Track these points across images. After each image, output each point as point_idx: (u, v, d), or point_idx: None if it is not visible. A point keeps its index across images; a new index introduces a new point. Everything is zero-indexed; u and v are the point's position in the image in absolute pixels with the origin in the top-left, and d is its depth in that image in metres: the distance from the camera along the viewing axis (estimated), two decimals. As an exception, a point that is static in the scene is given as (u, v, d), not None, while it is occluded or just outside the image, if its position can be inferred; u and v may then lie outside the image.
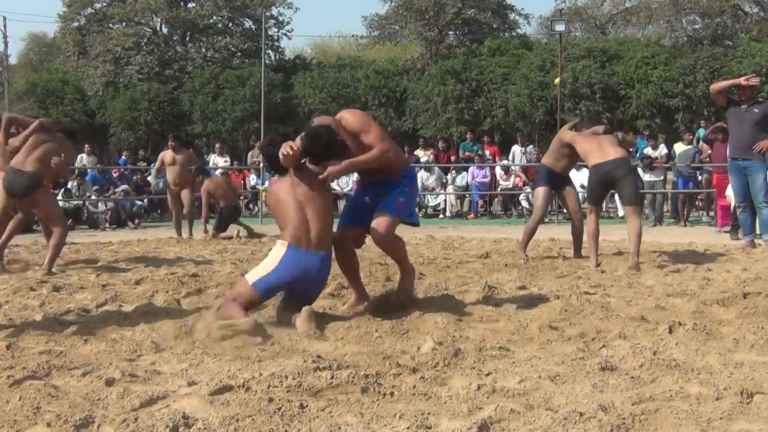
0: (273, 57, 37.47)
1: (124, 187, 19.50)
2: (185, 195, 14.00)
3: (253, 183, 21.73)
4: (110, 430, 3.43)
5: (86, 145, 23.28)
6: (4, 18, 42.66)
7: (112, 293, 7.22)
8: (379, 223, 5.88)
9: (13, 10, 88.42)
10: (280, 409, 3.63)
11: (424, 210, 20.45)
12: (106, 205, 18.53)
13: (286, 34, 38.24)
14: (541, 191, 9.68)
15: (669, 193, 18.37)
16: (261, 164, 19.85)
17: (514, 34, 36.96)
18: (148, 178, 20.21)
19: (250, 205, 22.37)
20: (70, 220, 17.69)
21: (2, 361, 4.65)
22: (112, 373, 4.30)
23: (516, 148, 20.79)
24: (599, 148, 8.85)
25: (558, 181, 9.66)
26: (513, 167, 20.11)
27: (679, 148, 17.97)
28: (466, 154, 21.12)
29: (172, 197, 14.17)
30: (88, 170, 20.62)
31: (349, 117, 5.91)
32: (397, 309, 5.97)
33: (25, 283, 7.89)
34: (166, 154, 14.16)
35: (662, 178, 18.24)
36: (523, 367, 4.33)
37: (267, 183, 20.64)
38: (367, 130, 5.83)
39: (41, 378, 4.30)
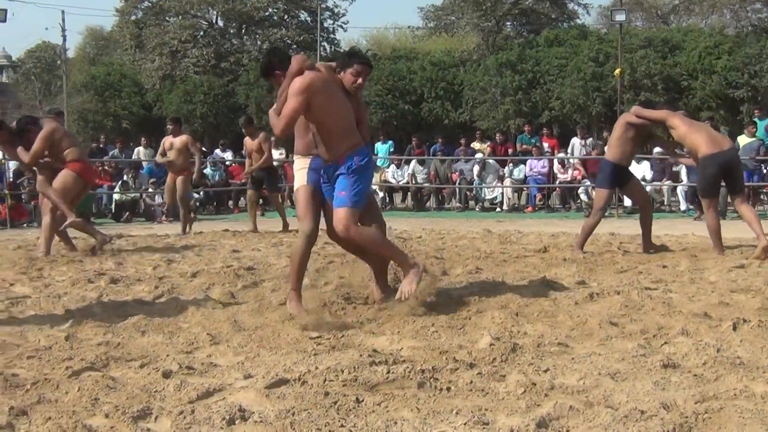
0: (328, 49, 37.60)
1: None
2: (179, 183, 13.50)
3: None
4: (167, 422, 3.47)
5: (143, 138, 23.53)
6: (63, 12, 44.01)
7: (168, 286, 7.30)
8: (336, 221, 5.78)
9: (71, 4, 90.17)
10: (336, 403, 3.65)
11: (480, 203, 20.37)
12: (162, 198, 18.74)
13: (341, 26, 38.42)
14: (604, 194, 9.55)
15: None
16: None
17: (572, 24, 36.62)
18: (205, 171, 20.38)
19: (293, 195, 22.48)
20: (127, 213, 17.98)
21: (61, 353, 4.74)
22: (169, 365, 4.35)
23: (575, 141, 20.59)
24: (709, 137, 8.67)
25: (622, 177, 9.47)
26: (571, 160, 19.94)
27: (743, 140, 17.65)
28: (524, 146, 20.97)
29: (168, 187, 13.89)
30: (144, 163, 20.86)
31: (296, 80, 5.67)
32: (449, 303, 5.95)
33: (83, 275, 8.01)
34: (167, 139, 13.73)
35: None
36: (583, 363, 4.30)
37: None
38: (289, 97, 5.67)
39: (99, 369, 4.37)
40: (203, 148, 24.82)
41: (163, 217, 17.95)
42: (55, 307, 6.34)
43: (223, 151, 23.08)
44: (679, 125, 8.85)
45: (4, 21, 18.74)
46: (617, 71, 20.20)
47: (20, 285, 7.52)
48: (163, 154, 13.72)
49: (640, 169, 18.58)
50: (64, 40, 40.05)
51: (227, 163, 22.00)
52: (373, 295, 6.28)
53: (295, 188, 6.15)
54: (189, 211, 14.00)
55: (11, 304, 6.44)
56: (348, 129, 5.80)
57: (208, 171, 20.47)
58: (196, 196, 19.44)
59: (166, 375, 4.17)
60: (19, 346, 4.93)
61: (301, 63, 5.72)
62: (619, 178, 9.45)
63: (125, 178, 18.99)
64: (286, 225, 13.77)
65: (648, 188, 18.46)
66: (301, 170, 6.11)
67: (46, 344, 4.97)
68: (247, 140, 14.07)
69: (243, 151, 23.96)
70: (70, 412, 3.58)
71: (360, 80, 5.97)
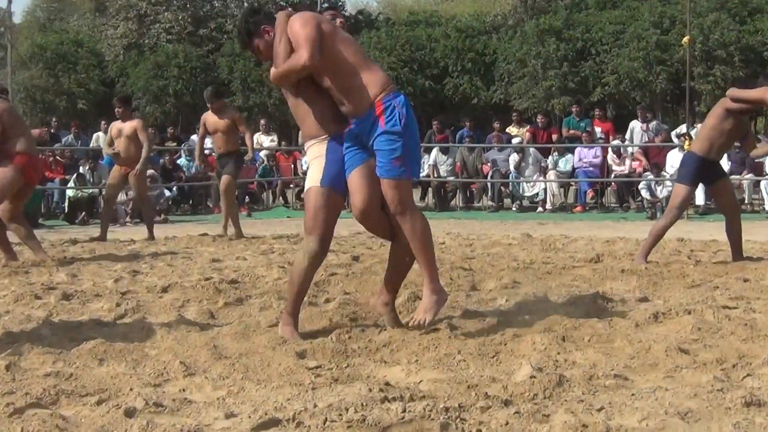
0: (331, 12, 37.68)
1: (150, 172, 19.69)
2: (134, 178, 13.58)
3: (305, 167, 21.80)
4: (130, 472, 3.45)
5: (102, 121, 23.49)
6: (8, -31, 43.46)
7: (133, 303, 7.29)
8: (387, 193, 5.74)
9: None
10: (339, 449, 3.63)
11: (518, 202, 20.36)
12: (126, 195, 18.75)
13: (346, -16, 38.46)
14: (683, 191, 9.48)
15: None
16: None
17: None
18: (179, 161, 20.44)
19: (302, 195, 22.49)
20: (83, 213, 18.00)
21: (1, 386, 4.73)
22: (134, 401, 4.33)
23: (635, 124, 20.54)
24: None
25: (710, 173, 9.42)
26: (630, 148, 19.89)
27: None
28: (571, 131, 20.95)
29: (111, 181, 13.86)
30: (105, 153, 20.90)
31: (294, 19, 5.72)
32: (479, 325, 5.93)
33: (29, 290, 8.02)
34: (115, 125, 13.73)
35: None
36: (646, 400, 4.27)
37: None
38: (297, 33, 5.64)
39: (47, 406, 4.35)
40: (176, 134, 24.92)
41: (128, 218, 17.99)
42: (-7, 329, 6.34)
43: (266, 133, 23.20)
44: None
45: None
46: (685, 39, 20.11)
47: (-50, 302, 7.53)
48: (111, 144, 13.66)
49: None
50: (9, 2, 40.18)
51: (206, 152, 22.00)
52: (375, 309, 6.25)
53: (306, 187, 6.05)
54: (152, 210, 14.06)
55: (-61, 326, 6.44)
56: (370, 65, 5.83)
57: (182, 162, 20.51)
58: (168, 193, 19.51)
59: (130, 413, 4.15)
60: (-52, 378, 4.93)
61: (288, 14, 5.78)
62: (705, 175, 9.41)
63: (81, 170, 19.04)
64: (227, 228, 13.52)
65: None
66: (315, 160, 5.96)
67: (-19, 375, 4.97)
68: (208, 117, 13.57)
69: (170, 131, 24.08)
70: (10, 459, 3.56)
71: (339, 20, 6.08)
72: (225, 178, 13.25)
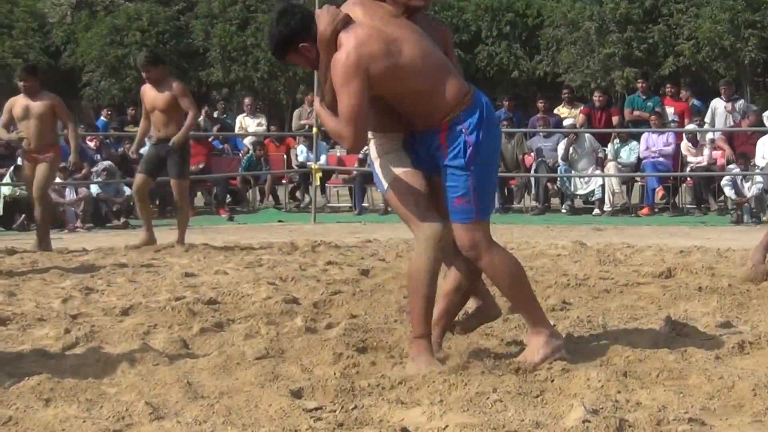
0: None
1: (106, 164, 19.72)
2: (42, 171, 13.38)
3: (301, 158, 21.81)
4: None
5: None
6: None
7: (87, 329, 7.31)
8: (457, 239, 5.84)
9: None
10: None
11: (569, 202, 20.36)
12: (77, 193, 18.80)
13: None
14: None
15: None
16: (315, 130, 19.93)
17: None
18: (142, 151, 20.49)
19: (297, 193, 22.50)
20: (23, 216, 18.05)
21: None
22: (88, 452, 4.38)
23: (717, 104, 20.49)
24: None
25: None
26: (711, 134, 19.88)
27: None
28: (636, 113, 20.92)
29: (25, 171, 13.74)
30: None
31: (336, 55, 5.63)
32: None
33: (-45, 312, 8.08)
34: (16, 102, 13.38)
35: None
36: (728, 450, 4.30)
37: (324, 158, 20.84)
38: (338, 92, 5.62)
39: (-19, 458, 4.40)
40: (137, 116, 24.94)
41: (78, 222, 18.04)
42: None
43: (252, 115, 23.23)
44: None
45: None
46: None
47: None
48: (9, 127, 13.39)
49: None
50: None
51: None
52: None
53: (385, 184, 6.02)
54: (49, 213, 13.86)
55: None
56: (442, 77, 5.77)
57: (146, 151, 20.58)
58: (128, 191, 19.53)
59: (83, 467, 4.20)
60: None
61: (333, 20, 5.66)
62: None
63: (20, 161, 19.10)
64: (181, 239, 13.34)
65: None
66: (388, 156, 5.97)
67: None
68: (146, 90, 13.30)
69: (130, 112, 24.04)
70: None
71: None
72: (175, 182, 13.11)
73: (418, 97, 5.69)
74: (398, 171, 5.87)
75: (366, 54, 5.50)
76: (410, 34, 5.70)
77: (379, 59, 5.53)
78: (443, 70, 5.79)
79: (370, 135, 6.02)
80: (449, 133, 5.66)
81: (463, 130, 5.64)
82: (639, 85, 22.21)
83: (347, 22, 5.64)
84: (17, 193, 18.45)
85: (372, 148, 6.08)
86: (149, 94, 13.07)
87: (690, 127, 20.42)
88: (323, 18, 5.65)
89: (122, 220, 18.74)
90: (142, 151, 14.81)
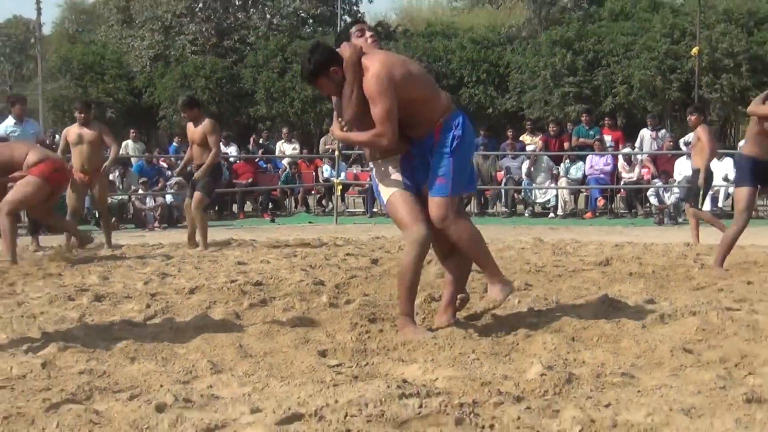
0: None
1: (177, 179, 19.73)
2: (99, 189, 13.05)
3: (326, 175, 21.83)
4: (161, 463, 3.51)
5: (132, 131, 23.70)
6: (38, -19, 43.55)
7: (162, 304, 7.34)
8: (431, 210, 5.92)
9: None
10: (359, 442, 3.67)
11: (530, 208, 20.35)
12: (155, 201, 18.84)
13: (366, -3, 38.38)
14: (744, 192, 9.13)
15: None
16: (336, 153, 19.97)
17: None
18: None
19: (323, 201, 22.52)
20: (114, 218, 18.07)
21: (37, 382, 4.78)
22: (163, 397, 4.37)
23: (645, 133, 20.48)
24: None
25: (764, 173, 9.03)
26: (639, 156, 19.85)
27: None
28: (581, 140, 20.89)
29: (74, 189, 12.74)
30: (133, 160, 20.96)
31: (369, 72, 5.77)
32: (492, 326, 5.96)
33: (62, 292, 8.07)
34: (70, 130, 12.92)
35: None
36: (651, 397, 4.29)
37: (344, 175, 20.85)
38: (374, 100, 5.73)
39: (81, 402, 4.40)
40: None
41: (156, 223, 18.05)
42: (30, 329, 6.38)
43: (227, 145, 23.10)
44: None
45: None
46: (694, 50, 20.14)
47: (-12, 303, 7.60)
48: (66, 153, 12.88)
49: (721, 167, 18.48)
50: (39, 14, 40.25)
51: (231, 159, 22.03)
52: (440, 320, 6.30)
53: (384, 198, 6.11)
54: (110, 220, 13.64)
55: (-22, 326, 6.51)
56: (435, 93, 5.99)
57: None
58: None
59: (160, 409, 4.20)
60: (-13, 375, 4.98)
61: (355, 50, 5.82)
62: (759, 174, 9.04)
63: (111, 177, 19.10)
64: (195, 242, 12.78)
65: (731, 189, 18.43)
66: (386, 180, 6.08)
67: (19, 373, 5.01)
68: (188, 126, 12.92)
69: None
70: (48, 451, 3.62)
71: (368, 34, 6.19)
72: (197, 194, 12.66)
73: (424, 103, 5.84)
74: (393, 189, 6.00)
75: (391, 68, 5.68)
76: (407, 57, 6.02)
77: (399, 71, 5.71)
78: (434, 83, 6.11)
79: (371, 164, 6.24)
80: (442, 130, 5.84)
81: (453, 127, 5.83)
82: (583, 118, 22.19)
83: (364, 51, 5.81)
84: (109, 201, 18.44)
85: (374, 171, 6.19)
86: (189, 129, 12.83)
87: (625, 150, 20.40)
88: (347, 49, 5.81)
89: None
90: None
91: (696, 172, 12.97)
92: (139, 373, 5.00)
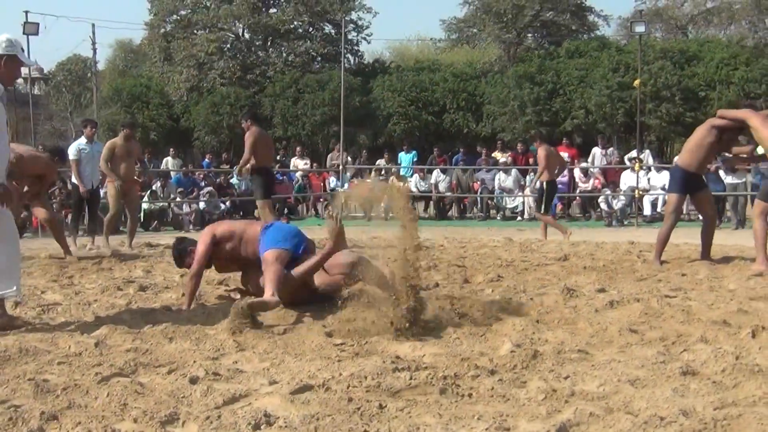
0: (352, 61, 37.63)
1: (208, 189, 19.76)
2: (135, 197, 13.13)
3: (332, 185, 21.86)
4: (194, 426, 3.49)
5: (171, 149, 23.75)
6: (93, 25, 43.50)
7: (196, 293, 7.30)
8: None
9: (102, 17, 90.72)
10: (359, 408, 3.65)
11: (502, 212, 20.35)
12: (190, 207, 18.84)
13: (365, 38, 38.39)
14: (674, 198, 9.18)
15: (750, 195, 17.93)
16: (340, 167, 19.96)
17: (592, 35, 36.57)
18: (231, 180, 20.46)
19: (329, 207, 22.51)
20: (156, 221, 18.08)
21: (91, 359, 4.77)
22: (196, 371, 4.37)
23: (596, 150, 20.55)
24: None
25: (693, 184, 9.09)
26: (592, 169, 19.87)
27: (762, 149, 17.49)
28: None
29: (120, 196, 12.41)
30: (172, 173, 20.95)
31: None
32: (470, 311, 5.94)
33: (112, 283, 8.05)
34: (118, 144, 12.34)
35: (744, 180, 17.80)
36: (603, 370, 4.28)
37: (346, 185, 20.82)
38: None
39: (128, 375, 4.39)
40: (229, 158, 24.97)
41: (190, 226, 18.02)
42: (85, 314, 6.38)
43: (301, 158, 23.27)
44: (760, 126, 8.33)
45: (36, 34, 18.89)
46: (636, 81, 20.14)
47: (51, 292, 7.57)
48: (108, 160, 12.30)
49: (660, 179, 18.51)
50: (95, 52, 40.16)
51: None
52: None
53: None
54: (137, 222, 13.48)
55: (42, 311, 6.48)
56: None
57: (234, 181, 20.52)
58: (222, 206, 19.50)
59: (193, 381, 4.19)
60: (49, 353, 4.96)
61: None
62: (690, 185, 9.09)
63: (154, 187, 19.08)
64: None
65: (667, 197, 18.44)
66: None
67: (76, 350, 5.00)
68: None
69: (224, 156, 23.92)
70: (100, 417, 3.60)
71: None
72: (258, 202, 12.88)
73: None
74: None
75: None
76: None
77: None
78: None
79: None
80: None
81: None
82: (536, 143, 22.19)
83: None
84: (152, 207, 18.44)
85: None
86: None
87: (583, 164, 20.42)
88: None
89: (284, 217, 18.69)
90: None
91: (542, 184, 13.55)
92: (176, 350, 5.00)
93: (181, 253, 7.02)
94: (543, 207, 13.57)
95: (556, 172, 13.83)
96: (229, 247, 6.62)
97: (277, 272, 6.08)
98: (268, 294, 5.97)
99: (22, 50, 6.02)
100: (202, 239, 6.72)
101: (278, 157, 24.53)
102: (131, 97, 35.70)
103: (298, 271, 6.23)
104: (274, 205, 14.02)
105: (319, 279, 6.44)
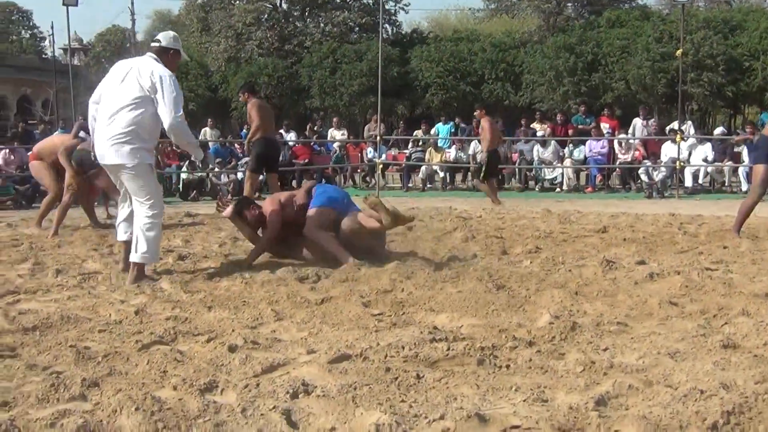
0: (390, 31, 37.44)
1: (246, 159, 19.78)
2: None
3: (370, 156, 21.83)
4: (233, 394, 3.52)
5: (209, 120, 23.80)
6: (132, -4, 43.81)
7: (235, 263, 7.35)
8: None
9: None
10: (396, 378, 3.66)
11: (540, 184, 20.23)
12: (228, 177, 18.93)
13: (403, 8, 38.14)
14: (761, 169, 8.92)
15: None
16: (378, 138, 19.95)
17: (633, 4, 36.09)
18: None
19: (367, 178, 22.49)
20: (194, 191, 18.19)
21: (131, 327, 4.82)
22: (235, 339, 4.40)
23: (637, 121, 20.31)
24: None
25: None
26: (633, 141, 19.67)
27: None
28: (580, 127, 20.74)
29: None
30: (210, 143, 21.03)
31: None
32: (508, 283, 5.92)
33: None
34: None
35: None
36: (642, 343, 4.26)
37: (384, 156, 20.81)
38: None
39: (168, 343, 4.44)
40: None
41: (228, 196, 18.11)
42: (125, 282, 6.44)
43: (287, 131, 23.19)
44: None
45: (76, 5, 18.97)
46: (679, 51, 19.83)
47: (92, 261, 7.65)
48: None
49: (701, 150, 18.31)
50: (133, 23, 40.59)
51: (291, 143, 22.11)
52: None
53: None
54: None
55: (83, 280, 6.55)
56: None
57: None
58: (261, 177, 19.56)
59: (232, 349, 4.22)
60: (90, 320, 5.03)
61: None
62: None
63: (192, 158, 19.17)
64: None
65: (709, 169, 18.24)
66: None
67: (116, 318, 5.07)
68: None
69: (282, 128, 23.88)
70: (140, 384, 3.64)
71: None
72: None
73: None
74: None
75: None
76: None
77: None
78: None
79: None
80: None
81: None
82: (581, 109, 22.05)
83: None
84: (190, 177, 18.55)
85: None
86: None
87: (621, 136, 20.23)
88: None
89: (257, 194, 18.73)
90: None
91: (485, 153, 14.40)
92: (215, 319, 5.04)
93: (245, 206, 7.48)
94: (483, 175, 14.45)
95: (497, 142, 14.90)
96: (288, 212, 7.26)
97: (330, 240, 6.99)
98: (344, 260, 6.89)
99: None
100: (271, 203, 7.33)
101: (315, 128, 24.56)
102: (171, 68, 35.87)
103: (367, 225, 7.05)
104: (311, 176, 14.04)
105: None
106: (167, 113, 6.30)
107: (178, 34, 7.14)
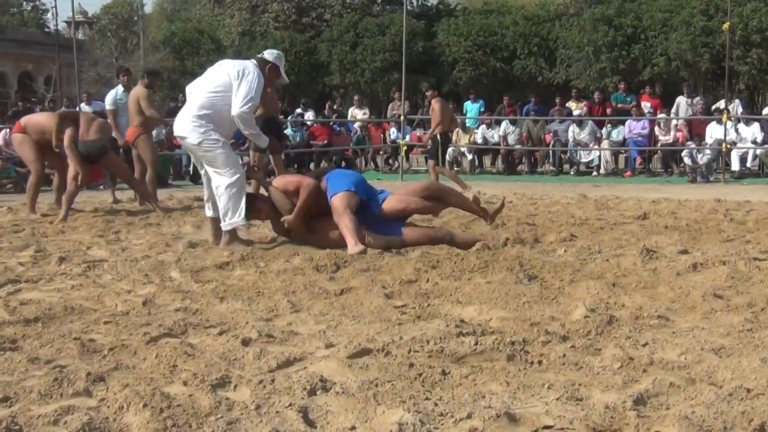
0: (415, 3, 37.40)
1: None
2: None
3: (393, 137, 21.81)
4: (247, 391, 3.53)
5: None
6: (140, -34, 43.88)
7: (248, 251, 7.36)
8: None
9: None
10: (421, 375, 3.66)
11: (576, 167, 20.16)
12: (242, 159, 18.94)
13: (429, -21, 38.11)
14: None
15: None
16: (402, 117, 19.93)
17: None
18: (286, 131, 20.52)
19: (390, 160, 22.48)
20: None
21: (138, 318, 4.85)
22: (249, 332, 4.41)
23: (681, 99, 20.14)
24: None
25: None
26: (674, 121, 19.55)
27: None
28: (619, 105, 20.64)
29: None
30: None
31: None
32: (541, 272, 5.91)
33: (161, 239, 8.16)
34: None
35: None
36: (684, 338, 4.24)
37: (408, 137, 20.79)
38: None
39: (177, 336, 4.45)
40: (283, 107, 25.02)
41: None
42: (132, 271, 6.48)
43: (305, 110, 23.21)
44: None
45: (81, -24, 19.06)
46: (726, 25, 19.66)
47: (97, 248, 7.70)
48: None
49: (749, 131, 18.17)
50: (142, -5, 40.63)
51: (309, 123, 22.12)
52: None
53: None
54: None
55: (88, 268, 6.59)
56: None
57: (288, 132, 20.62)
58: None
59: (246, 343, 4.23)
60: (96, 311, 5.05)
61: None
62: None
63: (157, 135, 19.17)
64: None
65: (758, 151, 18.09)
66: None
67: (123, 309, 5.09)
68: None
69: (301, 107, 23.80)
70: (148, 378, 3.66)
71: None
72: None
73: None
74: None
75: None
76: None
77: None
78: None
79: None
80: None
81: None
82: (620, 86, 21.96)
83: None
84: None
85: None
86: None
87: (661, 115, 20.11)
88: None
89: (271, 177, 18.75)
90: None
91: (436, 136, 14.87)
92: (228, 311, 5.05)
93: (250, 205, 7.75)
94: (439, 158, 14.97)
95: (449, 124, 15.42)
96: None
97: (352, 221, 7.15)
98: (351, 245, 7.00)
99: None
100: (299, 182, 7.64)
101: (335, 107, 24.57)
102: (182, 43, 35.91)
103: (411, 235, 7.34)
104: (331, 158, 14.06)
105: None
106: (236, 103, 7.34)
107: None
